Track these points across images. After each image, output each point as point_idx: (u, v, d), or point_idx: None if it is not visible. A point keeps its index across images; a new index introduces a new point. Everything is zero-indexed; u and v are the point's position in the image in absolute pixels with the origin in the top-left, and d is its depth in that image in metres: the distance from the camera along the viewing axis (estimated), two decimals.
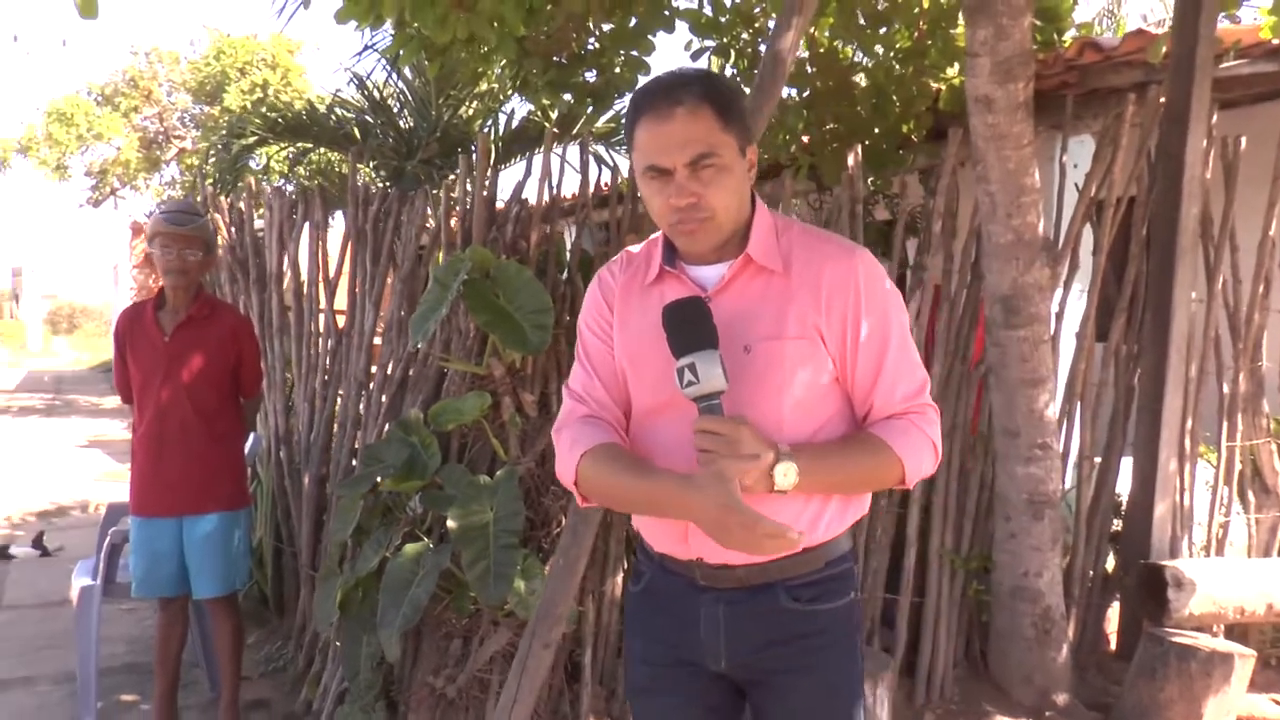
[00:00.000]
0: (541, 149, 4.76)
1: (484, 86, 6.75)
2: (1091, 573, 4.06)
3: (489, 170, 3.58)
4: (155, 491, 3.42)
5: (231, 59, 20.27)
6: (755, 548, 1.55)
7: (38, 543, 6.45)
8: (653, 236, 1.87)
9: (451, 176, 6.03)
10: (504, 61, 4.36)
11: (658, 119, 1.65)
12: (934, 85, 4.70)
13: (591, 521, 2.29)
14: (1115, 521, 4.21)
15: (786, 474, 1.59)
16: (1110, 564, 4.18)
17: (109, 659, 4.23)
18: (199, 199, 5.26)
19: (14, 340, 33.20)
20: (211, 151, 10.78)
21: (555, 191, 3.55)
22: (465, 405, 3.28)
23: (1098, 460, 4.06)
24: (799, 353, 1.70)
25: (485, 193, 3.50)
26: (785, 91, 4.51)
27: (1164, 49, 3.73)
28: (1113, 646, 4.17)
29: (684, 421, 1.62)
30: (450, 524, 3.05)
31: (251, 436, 3.98)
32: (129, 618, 4.86)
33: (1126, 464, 4.08)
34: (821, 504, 1.74)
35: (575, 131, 5.66)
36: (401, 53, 4.06)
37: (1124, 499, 4.17)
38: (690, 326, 1.63)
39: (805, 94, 4.61)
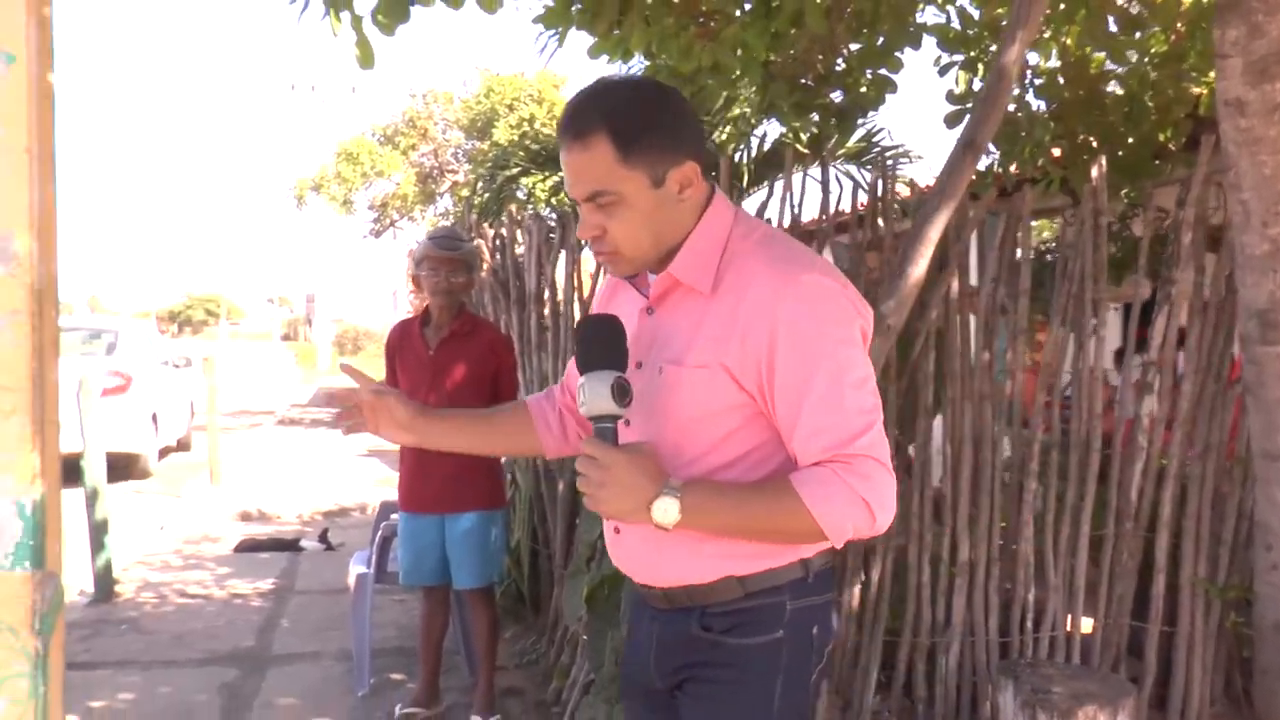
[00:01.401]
0: (804, 168, 4.85)
1: (736, 111, 6.91)
2: None
3: (730, 192, 3.72)
4: (420, 490, 3.75)
5: (500, 96, 21.57)
6: None
7: (323, 538, 7.15)
8: None
9: None
10: (751, 87, 4.49)
11: (564, 148, 1.59)
12: (1194, 90, 4.45)
13: None
14: None
15: (666, 511, 1.48)
16: None
17: (381, 641, 4.65)
18: (466, 226, 5.68)
19: (307, 360, 36.52)
20: (479, 183, 11.53)
21: (796, 212, 3.63)
22: None
23: None
24: (698, 381, 1.58)
25: None
26: (1034, 103, 4.42)
27: None
28: None
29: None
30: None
31: None
32: (399, 607, 5.30)
33: None
34: (726, 539, 1.59)
35: (825, 152, 5.71)
36: None
37: None
38: (593, 345, 1.58)
39: (1054, 105, 4.48)
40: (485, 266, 5.14)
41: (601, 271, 1.84)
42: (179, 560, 6.80)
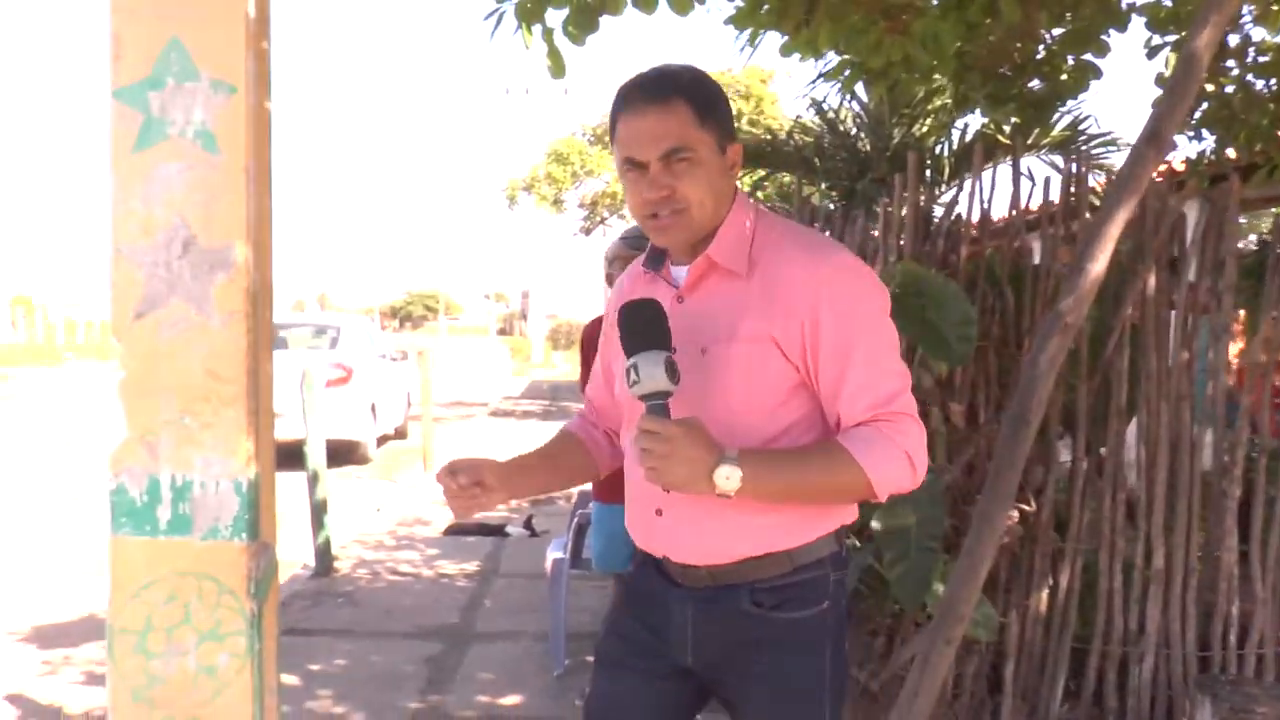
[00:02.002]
0: (995, 162, 4.73)
1: (937, 103, 6.75)
2: None
3: (920, 186, 3.66)
4: (612, 480, 3.86)
5: None
6: None
7: (528, 525, 7.46)
8: None
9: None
10: (945, 79, 4.39)
11: (635, 113, 1.67)
12: None
13: (994, 525, 2.31)
14: None
15: (729, 478, 1.54)
16: None
17: (577, 625, 4.82)
18: None
19: (521, 353, 37.95)
20: None
21: (985, 207, 3.55)
22: None
23: None
24: (748, 356, 1.66)
25: (919, 208, 3.58)
26: (1256, 83, 4.12)
27: None
28: None
29: (635, 413, 1.65)
30: (874, 525, 3.16)
31: None
32: (598, 593, 5.48)
33: None
34: (775, 509, 1.67)
35: (1029, 143, 5.52)
36: (844, 77, 4.24)
37: None
38: (640, 326, 1.62)
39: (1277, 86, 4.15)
40: None
41: (624, 278, 1.95)
42: (392, 541, 7.25)
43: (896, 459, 1.60)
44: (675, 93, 1.65)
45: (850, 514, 1.78)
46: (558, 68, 3.25)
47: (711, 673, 1.79)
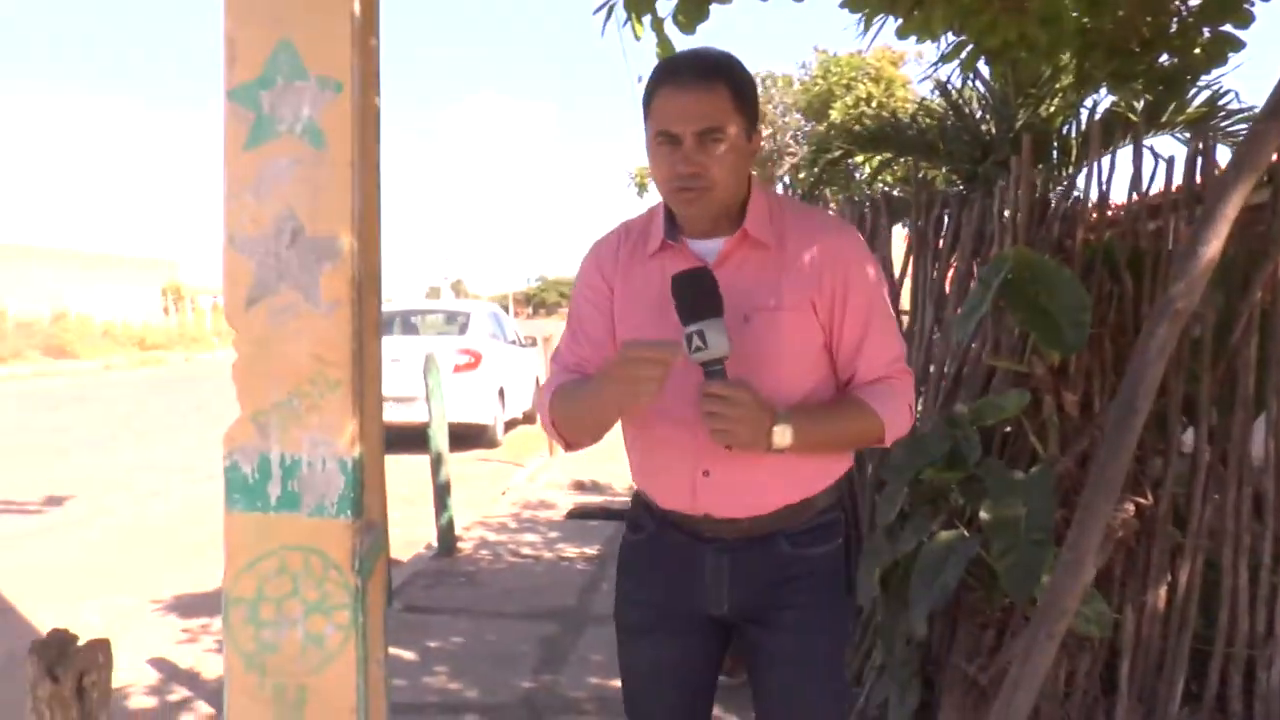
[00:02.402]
0: (1118, 143, 4.54)
1: (1065, 82, 6.51)
2: None
3: (1034, 168, 3.55)
4: None
5: (837, 77, 21.39)
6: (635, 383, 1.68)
7: None
8: (651, 208, 1.97)
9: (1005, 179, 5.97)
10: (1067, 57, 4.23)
11: (676, 88, 1.77)
12: None
13: (1099, 517, 2.24)
14: None
15: (784, 434, 1.72)
16: None
17: None
18: None
19: None
20: (801, 166, 11.56)
21: (1104, 189, 3.41)
22: (1006, 402, 3.32)
23: None
24: (794, 322, 1.83)
25: (1034, 191, 3.48)
26: None
27: None
28: None
29: (677, 380, 1.72)
30: (983, 515, 3.11)
31: None
32: None
33: None
34: (809, 460, 1.87)
35: (1163, 121, 5.28)
36: (962, 58, 4.13)
37: None
38: (698, 295, 1.72)
39: None
40: None
41: (617, 251, 1.97)
42: (514, 523, 7.42)
43: (902, 411, 1.89)
44: (719, 75, 1.77)
45: (848, 462, 2.02)
46: (665, 49, 3.27)
47: (744, 615, 1.97)
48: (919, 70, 21.73)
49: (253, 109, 1.98)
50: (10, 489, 8.47)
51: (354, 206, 1.99)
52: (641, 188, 26.05)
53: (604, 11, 3.24)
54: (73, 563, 6.34)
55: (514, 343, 13.67)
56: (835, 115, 19.24)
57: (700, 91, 1.75)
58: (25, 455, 10.44)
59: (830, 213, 2.02)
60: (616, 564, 2.16)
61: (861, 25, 4.23)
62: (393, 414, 10.32)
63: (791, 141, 23.75)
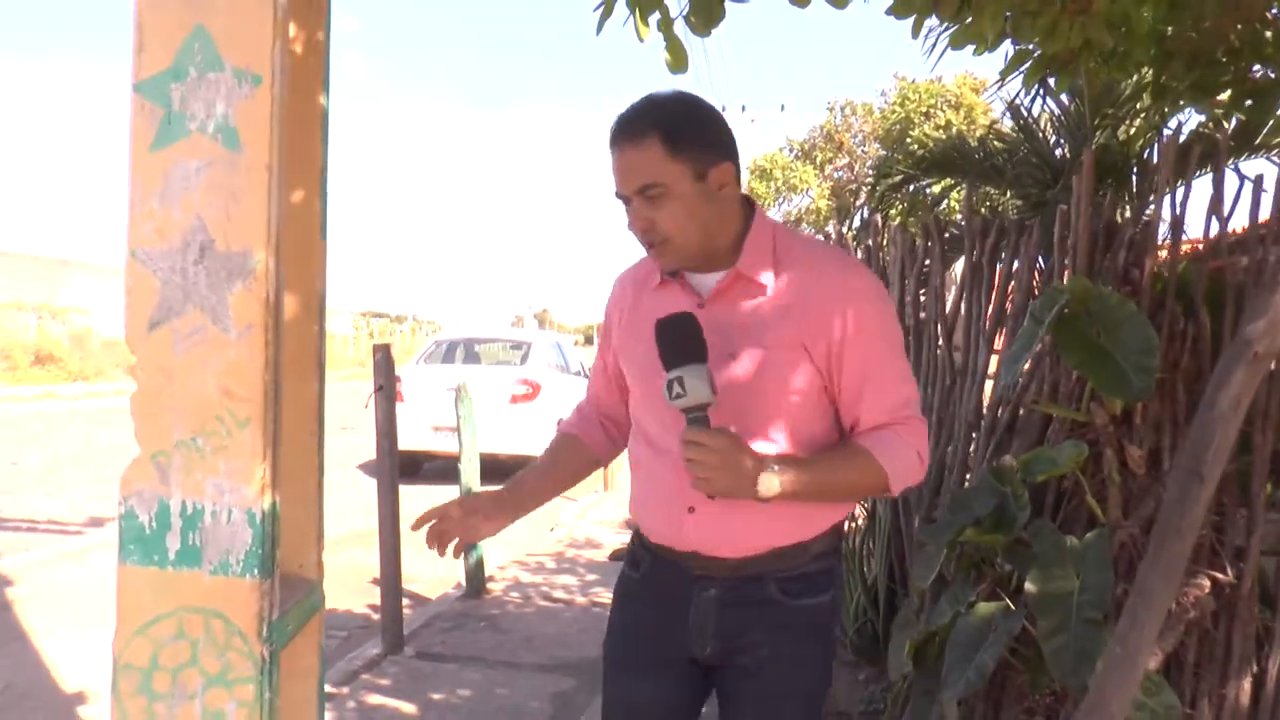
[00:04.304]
0: (1201, 167, 4.12)
1: (1147, 101, 6.06)
2: None
3: (1096, 191, 3.17)
4: None
5: (915, 104, 20.97)
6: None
7: None
8: None
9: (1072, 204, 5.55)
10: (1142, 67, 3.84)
11: (613, 149, 1.77)
12: None
13: (1156, 605, 1.85)
14: None
15: (769, 483, 1.67)
16: None
17: None
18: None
19: None
20: (863, 191, 11.18)
21: (1178, 214, 3.00)
22: (1060, 455, 2.92)
23: None
24: (782, 363, 1.77)
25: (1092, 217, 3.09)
26: None
27: None
28: None
29: (665, 415, 1.78)
30: (1029, 587, 2.72)
31: None
32: None
33: None
34: (806, 504, 1.79)
35: (1257, 143, 4.82)
36: (1022, 71, 3.77)
37: None
38: (678, 340, 1.70)
39: None
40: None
41: (629, 283, 2.05)
42: (554, 563, 7.12)
43: (910, 459, 1.80)
44: (646, 128, 1.73)
45: (849, 508, 1.99)
46: (678, 61, 2.95)
47: (724, 658, 1.90)
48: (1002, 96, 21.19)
49: (162, 104, 1.73)
50: (58, 508, 8.43)
51: (272, 217, 1.72)
52: None
53: (602, 10, 2.91)
54: (97, 588, 6.19)
55: (578, 374, 13.45)
56: (914, 143, 18.83)
57: (629, 150, 1.75)
58: (80, 472, 10.47)
59: (842, 253, 2.04)
60: (613, 599, 2.13)
61: (926, 43, 3.91)
62: (444, 444, 10.16)
63: (869, 172, 23.39)
